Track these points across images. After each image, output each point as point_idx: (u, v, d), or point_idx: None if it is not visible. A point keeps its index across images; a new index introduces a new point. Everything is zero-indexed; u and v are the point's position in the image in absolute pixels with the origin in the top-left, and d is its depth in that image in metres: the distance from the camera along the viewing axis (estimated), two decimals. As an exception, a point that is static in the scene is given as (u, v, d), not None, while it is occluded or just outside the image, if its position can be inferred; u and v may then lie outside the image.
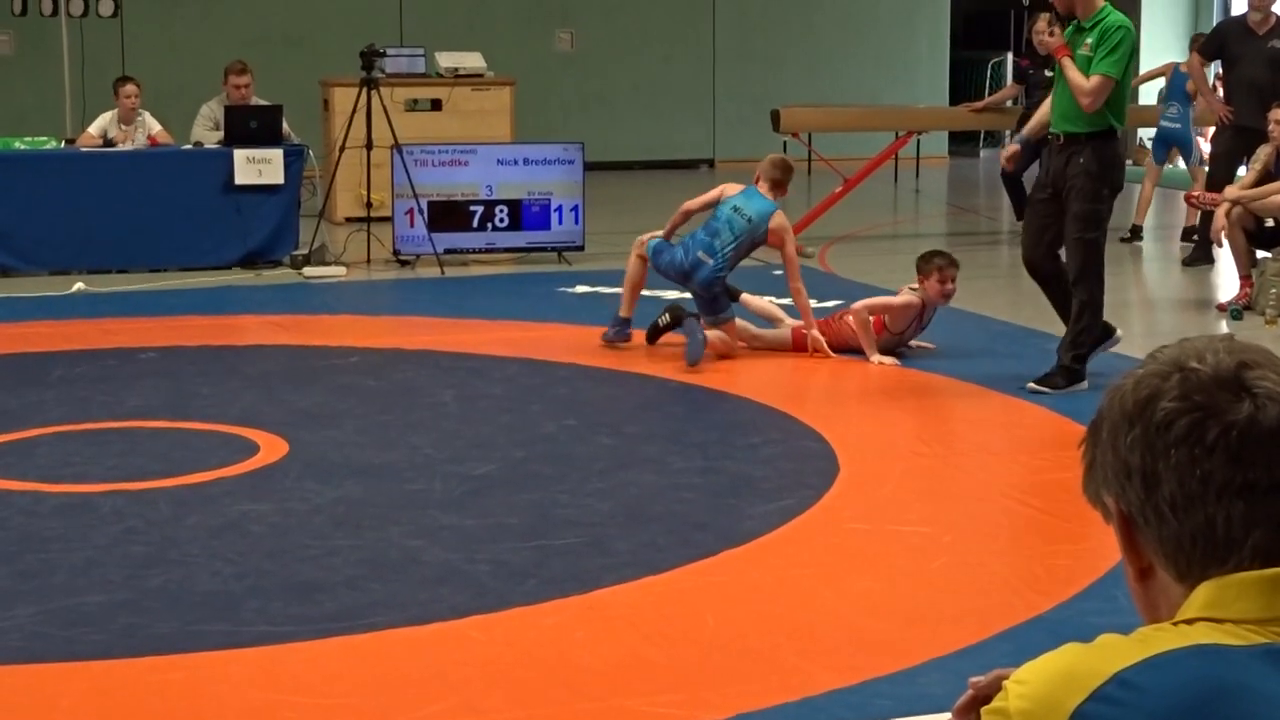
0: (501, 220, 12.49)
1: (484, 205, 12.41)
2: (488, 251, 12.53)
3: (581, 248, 12.63)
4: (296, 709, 4.28)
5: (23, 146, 12.21)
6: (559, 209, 12.57)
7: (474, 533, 5.73)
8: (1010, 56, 23.46)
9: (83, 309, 10.56)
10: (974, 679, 1.80)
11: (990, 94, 18.65)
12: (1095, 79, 7.66)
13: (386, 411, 7.45)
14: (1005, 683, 1.57)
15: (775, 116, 13.75)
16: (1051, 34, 8.05)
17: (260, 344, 9.54)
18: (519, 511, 5.99)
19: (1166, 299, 11.78)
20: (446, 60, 15.61)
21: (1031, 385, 7.82)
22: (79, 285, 11.36)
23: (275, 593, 5.13)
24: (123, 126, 12.77)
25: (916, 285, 8.55)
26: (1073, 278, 7.87)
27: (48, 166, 12.06)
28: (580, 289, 11.22)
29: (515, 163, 12.58)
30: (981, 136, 23.21)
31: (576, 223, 12.62)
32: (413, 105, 15.13)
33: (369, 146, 12.22)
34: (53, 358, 8.88)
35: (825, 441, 7.01)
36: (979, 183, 20.84)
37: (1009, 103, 14.49)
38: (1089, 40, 7.73)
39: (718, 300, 8.74)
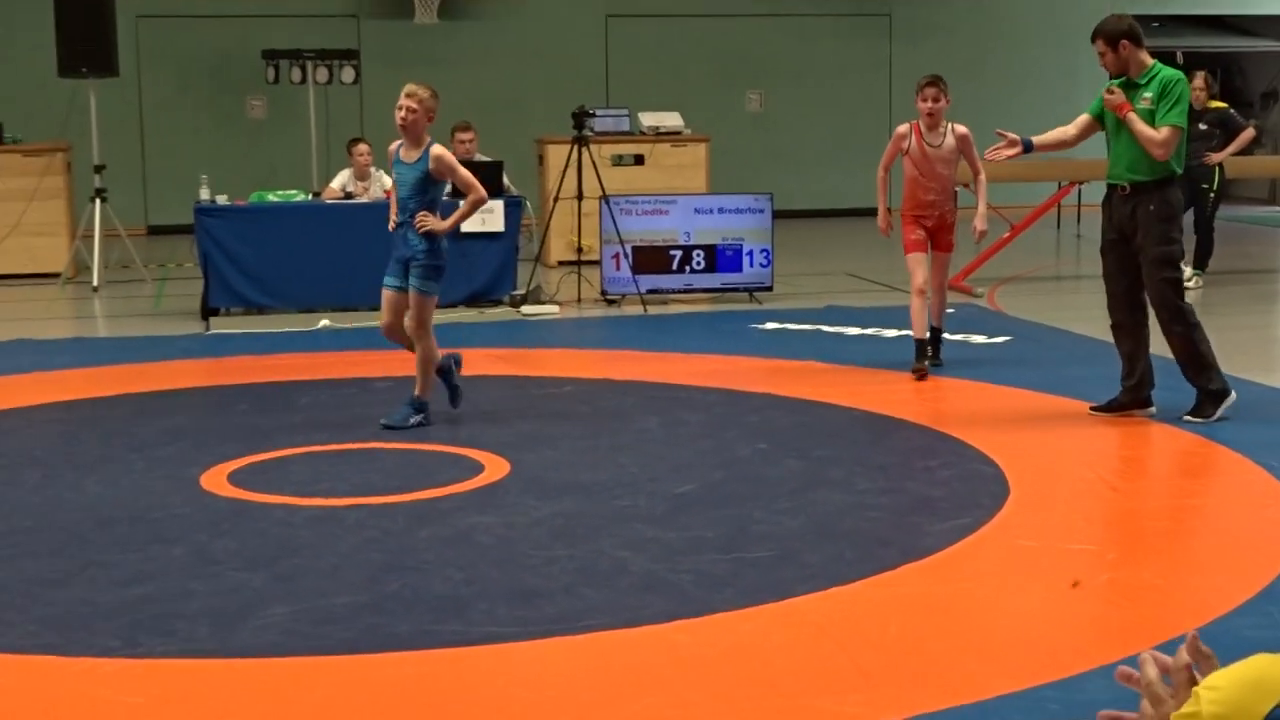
0: (698, 263, 12.53)
1: (682, 250, 12.47)
2: (686, 291, 12.58)
3: (770, 288, 12.62)
4: (520, 703, 4.31)
5: (275, 199, 12.50)
6: (750, 253, 12.58)
7: (677, 545, 5.74)
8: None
9: (326, 343, 10.77)
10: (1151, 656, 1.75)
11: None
12: (1165, 130, 7.49)
13: (597, 435, 7.51)
14: (1196, 689, 1.55)
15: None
16: (1112, 92, 7.65)
17: (484, 374, 9.62)
18: (717, 526, 5.99)
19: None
20: (648, 119, 15.71)
21: (1186, 417, 7.68)
22: (324, 321, 11.58)
23: (500, 597, 5.17)
24: (359, 182, 13.01)
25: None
26: (1168, 315, 7.69)
27: (296, 217, 12.32)
28: (770, 325, 11.20)
29: (711, 211, 12.62)
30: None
31: (766, 265, 12.62)
32: (618, 160, 15.23)
33: (579, 197, 12.34)
34: (301, 386, 9.07)
35: (996, 466, 6.93)
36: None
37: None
38: (1148, 95, 7.56)
39: None
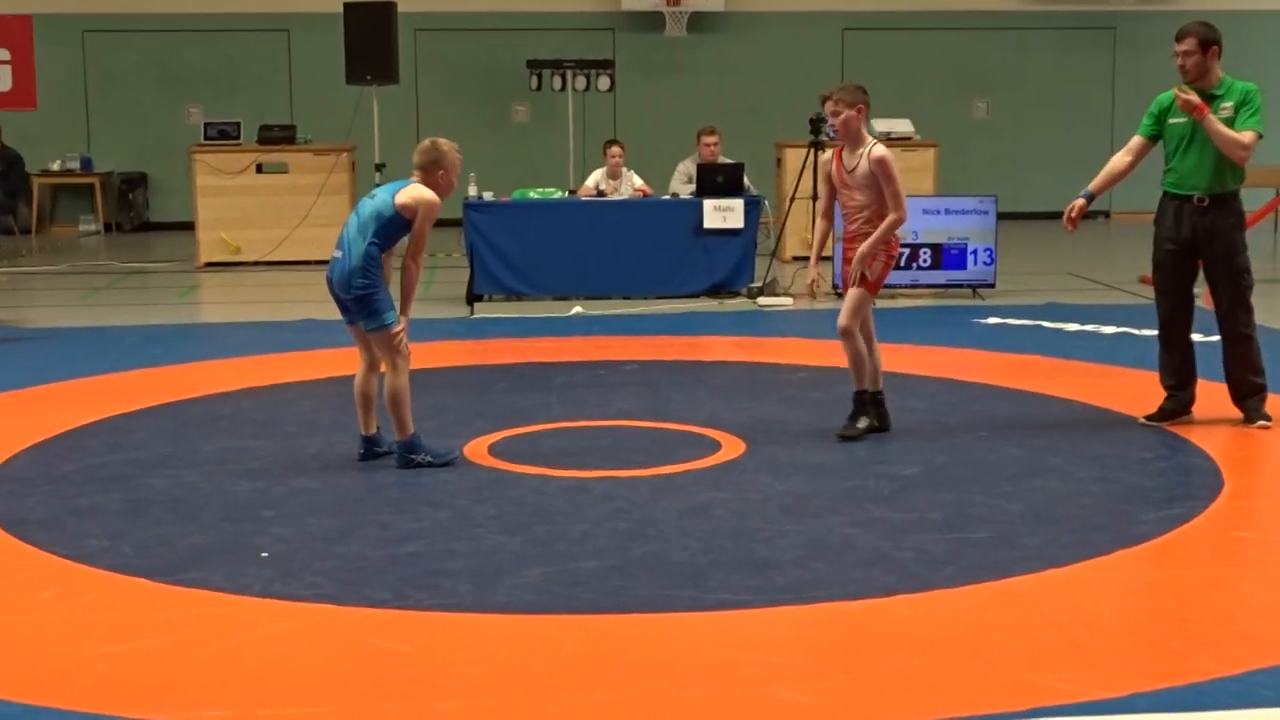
0: (925, 261, 12.35)
1: (910, 248, 12.29)
2: (912, 287, 12.41)
3: (993, 285, 12.38)
4: (749, 665, 4.29)
5: (535, 196, 12.66)
6: (974, 252, 12.36)
7: (900, 524, 5.66)
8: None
9: (579, 328, 10.88)
10: None
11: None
12: (1249, 133, 7.06)
13: (827, 420, 7.43)
14: None
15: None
16: (1185, 91, 7.09)
17: (722, 360, 9.64)
18: (939, 508, 5.89)
19: None
20: (880, 125, 15.54)
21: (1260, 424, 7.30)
22: (577, 309, 11.70)
23: (733, 566, 5.16)
24: (610, 181, 13.11)
25: None
26: (1242, 322, 7.29)
27: (554, 212, 12.45)
28: (992, 320, 10.99)
29: (938, 212, 12.42)
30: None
31: (989, 263, 12.38)
32: (851, 163, 15.09)
33: (814, 198, 12.25)
34: (555, 367, 9.17)
35: (1210, 459, 6.69)
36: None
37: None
38: (1228, 104, 7.08)
39: None
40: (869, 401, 7.24)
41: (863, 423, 7.18)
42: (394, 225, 6.49)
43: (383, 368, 6.63)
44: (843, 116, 7.09)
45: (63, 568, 5.22)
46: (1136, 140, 7.41)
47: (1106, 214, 19.86)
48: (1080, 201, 7.33)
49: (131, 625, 4.64)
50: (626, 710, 4.00)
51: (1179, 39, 7.19)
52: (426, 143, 6.68)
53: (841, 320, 7.14)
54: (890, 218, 7.11)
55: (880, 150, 7.10)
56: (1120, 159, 7.41)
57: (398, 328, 6.50)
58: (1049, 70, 20.00)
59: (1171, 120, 7.26)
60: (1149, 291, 8.74)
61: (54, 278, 14.42)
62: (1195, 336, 7.55)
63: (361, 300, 6.48)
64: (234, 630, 4.59)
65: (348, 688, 4.15)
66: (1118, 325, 10.49)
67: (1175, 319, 7.42)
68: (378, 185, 13.58)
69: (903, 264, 12.29)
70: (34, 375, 8.92)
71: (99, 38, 18.99)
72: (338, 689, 4.15)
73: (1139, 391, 7.96)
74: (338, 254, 6.53)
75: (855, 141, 7.15)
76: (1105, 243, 17.70)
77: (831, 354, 9.12)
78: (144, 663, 4.33)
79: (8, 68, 19.07)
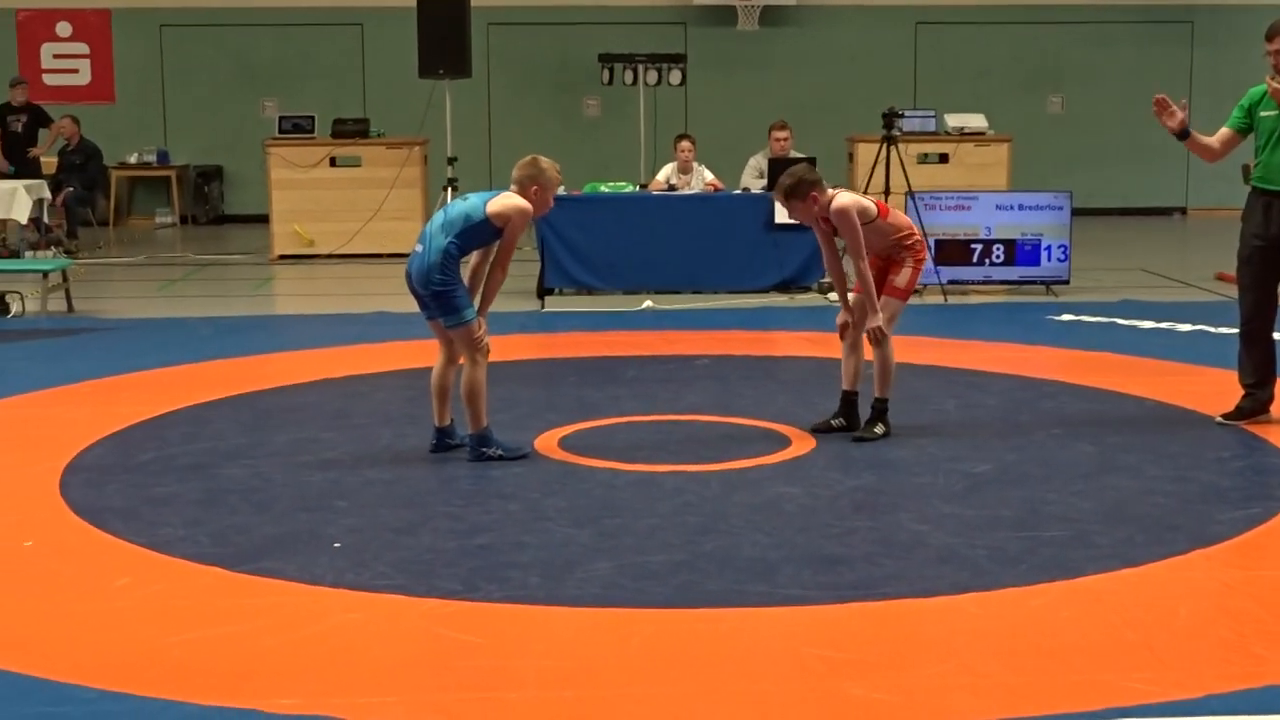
0: (998, 256, 12.26)
1: (983, 244, 12.22)
2: (985, 283, 12.32)
3: (1067, 281, 12.26)
4: (821, 660, 4.28)
5: (606, 190, 12.67)
6: (1049, 248, 12.25)
7: (972, 521, 5.63)
8: None
9: (650, 322, 10.88)
10: None
11: None
12: None
13: (896, 416, 7.37)
14: None
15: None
16: (1277, 81, 6.90)
17: (792, 355, 9.62)
18: (1011, 505, 5.85)
19: None
20: (954, 120, 15.47)
21: None
22: (647, 303, 11.70)
23: (804, 562, 5.14)
24: (681, 175, 13.10)
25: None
26: None
27: (624, 206, 12.45)
28: (1065, 317, 10.89)
29: (1011, 208, 12.33)
30: None
31: (1064, 260, 12.27)
32: (924, 158, 15.04)
33: (886, 193, 12.17)
34: (626, 361, 9.18)
35: (1289, 458, 6.62)
36: None
37: None
38: None
39: None
40: (880, 409, 7.14)
41: (879, 428, 7.10)
42: (480, 230, 6.52)
43: (461, 360, 6.67)
44: (794, 211, 6.99)
45: (139, 556, 5.28)
46: (1225, 132, 7.32)
47: (1183, 210, 19.63)
48: (1182, 116, 7.20)
49: (206, 613, 4.69)
50: (696, 705, 4.00)
51: (1269, 38, 7.06)
52: (528, 159, 6.70)
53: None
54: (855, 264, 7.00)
55: (839, 201, 6.94)
56: (1211, 140, 7.34)
57: (477, 324, 6.54)
58: (1124, 65, 19.78)
59: (1263, 113, 7.18)
60: (1226, 289, 8.64)
61: (131, 269, 14.59)
62: (1277, 335, 7.45)
63: (439, 296, 6.51)
64: (306, 619, 4.63)
65: (417, 678, 4.18)
66: (1193, 323, 10.36)
67: (1258, 316, 7.31)
68: (450, 179, 13.62)
69: (975, 259, 12.23)
70: (111, 365, 9.03)
71: (176, 32, 19.18)
72: (407, 679, 4.17)
73: (1215, 390, 7.86)
74: (418, 249, 6.57)
75: (821, 211, 6.98)
76: (1181, 239, 17.50)
77: (899, 350, 9.09)
78: (218, 650, 4.38)
79: (87, 62, 19.32)
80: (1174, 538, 5.41)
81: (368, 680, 4.16)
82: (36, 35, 19.22)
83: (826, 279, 12.11)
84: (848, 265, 7.22)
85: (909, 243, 7.08)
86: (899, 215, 7.18)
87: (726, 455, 6.68)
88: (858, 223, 6.91)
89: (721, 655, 4.33)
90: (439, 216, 6.59)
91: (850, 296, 7.16)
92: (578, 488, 6.15)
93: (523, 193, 6.59)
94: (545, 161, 6.66)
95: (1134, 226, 18.11)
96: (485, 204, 6.53)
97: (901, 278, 7.08)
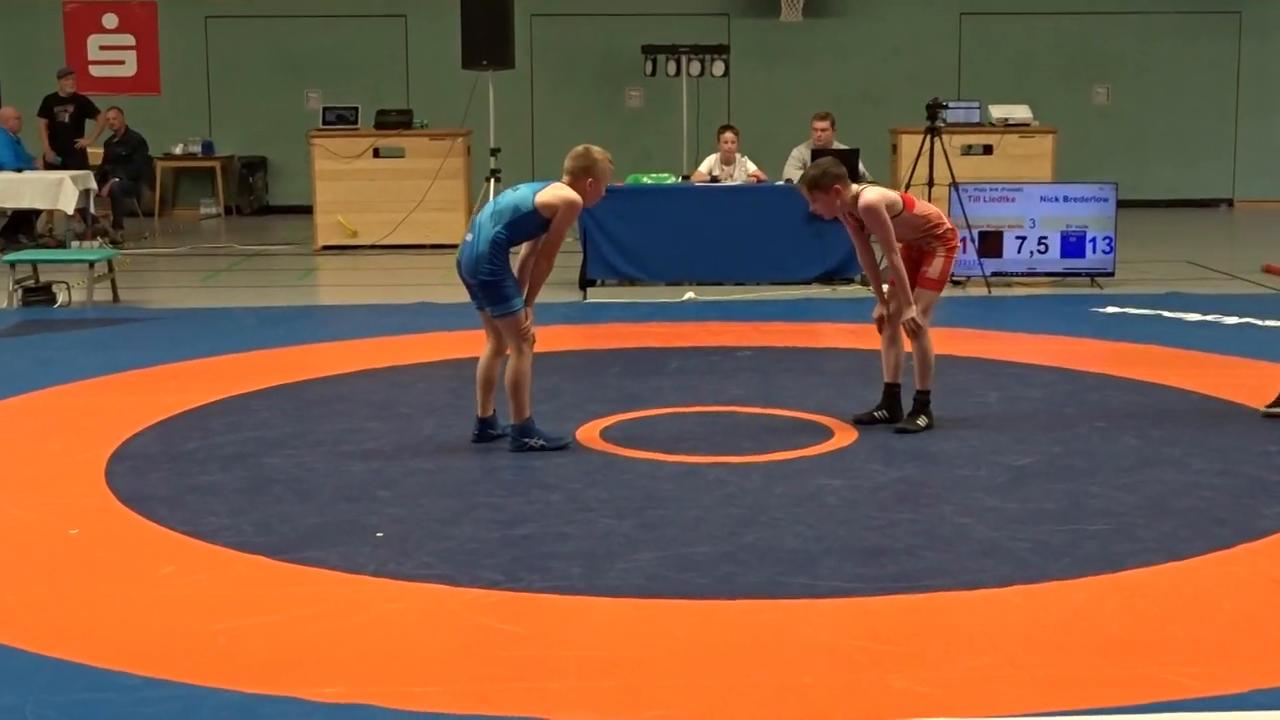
0: (1041, 248, 12.20)
1: (1027, 235, 12.16)
2: (1028, 275, 12.25)
3: (1112, 274, 12.19)
4: (864, 652, 4.27)
5: (648, 181, 12.66)
6: (1093, 240, 12.18)
7: (1015, 514, 5.60)
8: None
9: (692, 313, 10.87)
10: None
11: None
12: None
13: (939, 408, 7.34)
14: None
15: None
16: None
17: (834, 347, 9.59)
18: (1055, 499, 5.82)
19: None
20: (998, 111, 15.38)
21: None
22: (689, 294, 11.69)
23: (846, 554, 5.13)
24: (724, 166, 13.08)
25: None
26: None
27: (667, 197, 12.45)
28: (1110, 309, 10.83)
29: (1056, 200, 12.26)
30: None
31: (1108, 252, 12.19)
32: (968, 150, 14.96)
33: (930, 184, 12.13)
34: (669, 352, 9.17)
35: (1337, 452, 6.55)
36: None
37: None
38: None
39: None
40: (923, 401, 7.11)
41: (922, 420, 7.07)
42: (529, 221, 6.52)
43: (507, 351, 6.68)
44: (817, 203, 6.88)
45: (183, 544, 5.31)
46: None
47: (1230, 202, 19.47)
48: None
49: (249, 602, 4.71)
50: (738, 696, 4.00)
51: None
52: (580, 149, 6.66)
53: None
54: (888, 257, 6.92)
55: (866, 198, 6.87)
56: None
57: (524, 314, 6.55)
58: (1171, 56, 19.64)
59: None
60: (1273, 281, 8.56)
61: (176, 259, 14.67)
62: None
63: (487, 286, 6.52)
64: (349, 609, 4.64)
65: (459, 667, 4.19)
66: (1240, 315, 10.28)
67: None
68: (493, 170, 13.63)
69: (1020, 251, 12.16)
70: (157, 355, 9.08)
71: (221, 24, 19.28)
72: (449, 668, 4.18)
73: (1261, 383, 7.80)
74: (468, 238, 6.59)
75: (846, 206, 6.91)
76: (1228, 231, 17.36)
77: (942, 342, 9.05)
78: (261, 639, 4.40)
79: (133, 53, 19.44)
80: (1219, 532, 5.37)
81: (409, 669, 4.17)
82: (83, 27, 19.37)
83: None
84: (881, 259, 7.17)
85: (939, 232, 7.04)
86: (926, 205, 7.15)
87: (769, 447, 6.67)
88: (887, 217, 6.87)
89: (762, 646, 4.32)
90: (489, 206, 6.61)
91: (885, 289, 7.13)
92: (619, 479, 6.15)
93: (575, 184, 6.57)
94: (598, 151, 6.64)
95: (1180, 218, 17.98)
96: (535, 195, 6.53)
97: (934, 268, 7.04)
